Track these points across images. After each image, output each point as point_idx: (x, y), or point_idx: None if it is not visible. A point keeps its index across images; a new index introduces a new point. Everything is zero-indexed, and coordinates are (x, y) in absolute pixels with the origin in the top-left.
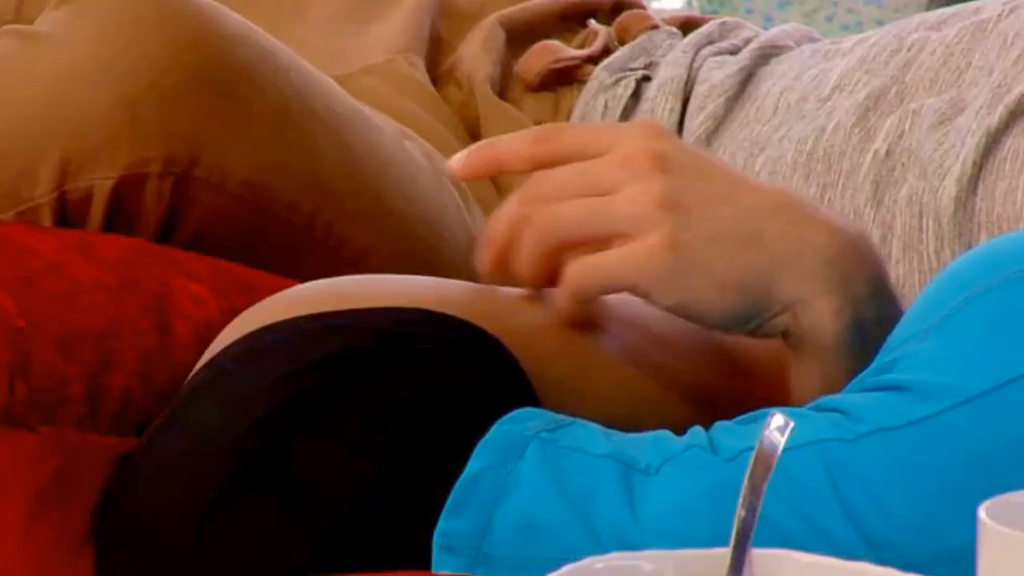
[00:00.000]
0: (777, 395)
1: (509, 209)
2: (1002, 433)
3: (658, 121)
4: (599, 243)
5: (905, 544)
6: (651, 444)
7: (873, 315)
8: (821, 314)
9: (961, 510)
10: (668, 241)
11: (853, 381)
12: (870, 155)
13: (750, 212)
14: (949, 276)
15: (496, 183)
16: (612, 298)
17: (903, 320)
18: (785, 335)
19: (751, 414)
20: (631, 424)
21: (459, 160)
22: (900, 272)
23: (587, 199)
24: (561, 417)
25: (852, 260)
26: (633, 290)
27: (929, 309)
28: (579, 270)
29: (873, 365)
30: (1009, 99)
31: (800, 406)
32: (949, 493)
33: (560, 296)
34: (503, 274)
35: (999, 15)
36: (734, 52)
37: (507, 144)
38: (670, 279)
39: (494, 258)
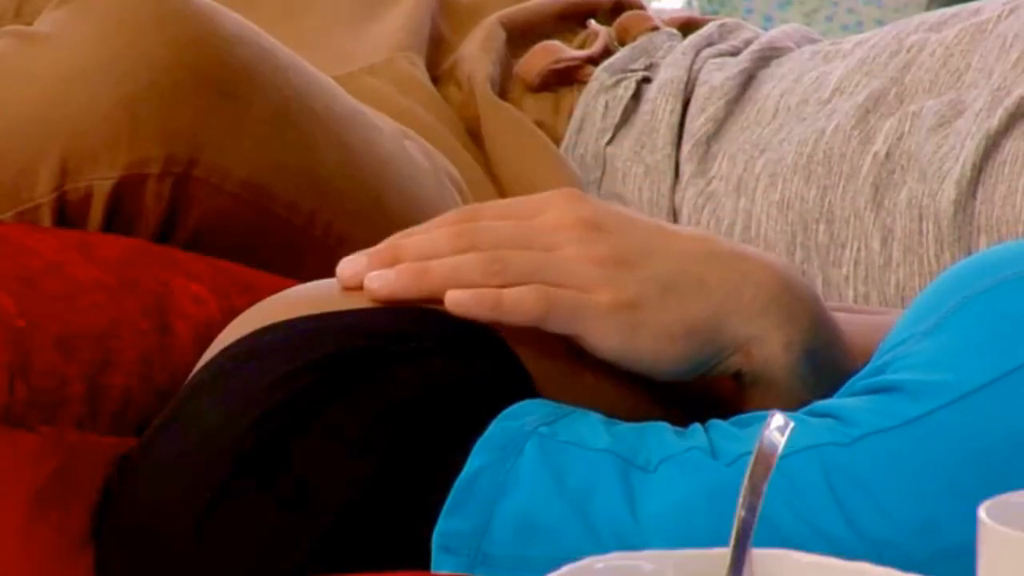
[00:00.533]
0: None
1: (431, 244)
2: (996, 428)
3: (576, 189)
4: None
5: (905, 543)
6: (651, 438)
7: (819, 342)
8: (773, 349)
9: (959, 507)
10: (620, 300)
11: (845, 385)
12: (870, 157)
13: (689, 260)
14: (944, 282)
15: (495, 181)
16: None
17: (897, 325)
18: (736, 376)
19: (747, 415)
20: (631, 416)
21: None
22: (901, 275)
23: (533, 253)
24: (560, 407)
25: (791, 292)
26: (581, 337)
27: (922, 314)
28: (545, 297)
29: (866, 369)
30: (1009, 102)
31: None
32: (946, 490)
33: (506, 305)
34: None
35: (999, 16)
36: (734, 54)
37: (423, 230)
38: (622, 335)
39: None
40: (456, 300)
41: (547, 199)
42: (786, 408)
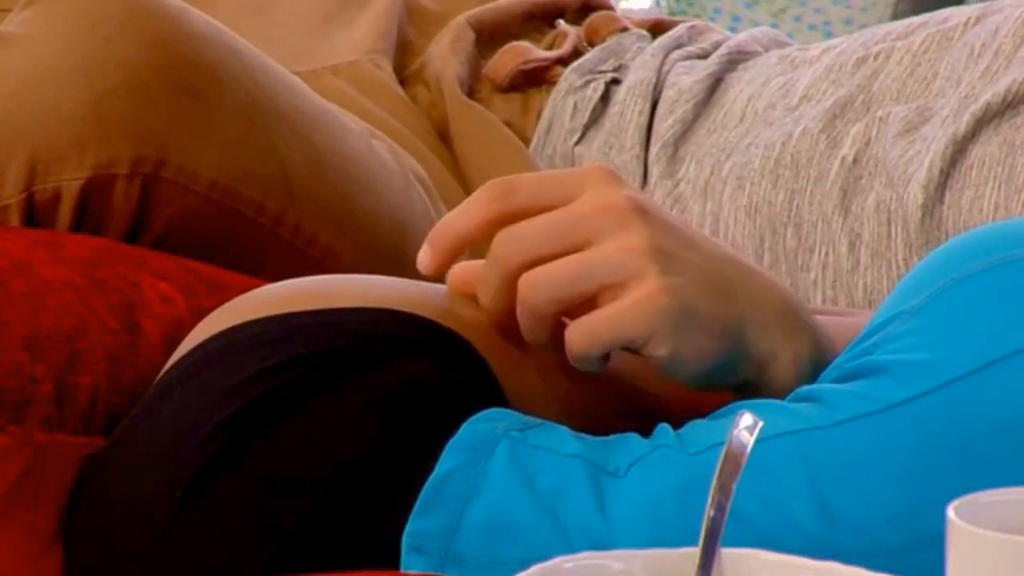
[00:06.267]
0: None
1: (489, 284)
2: (980, 417)
3: (608, 167)
4: (589, 298)
5: (881, 531)
6: (620, 446)
7: (819, 355)
8: (784, 363)
9: (939, 495)
10: (665, 287)
11: (831, 365)
12: (837, 161)
13: (715, 259)
14: (933, 261)
15: (463, 181)
16: None
17: (885, 302)
18: (739, 387)
19: (725, 408)
20: (598, 430)
21: (425, 257)
22: (869, 279)
23: (572, 257)
24: (531, 418)
25: (793, 307)
26: (633, 342)
27: (911, 292)
28: (583, 332)
29: (852, 348)
30: (976, 107)
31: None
32: (927, 478)
33: (571, 360)
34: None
35: (965, 23)
36: (703, 56)
37: (463, 217)
38: (669, 326)
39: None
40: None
41: (581, 177)
42: None
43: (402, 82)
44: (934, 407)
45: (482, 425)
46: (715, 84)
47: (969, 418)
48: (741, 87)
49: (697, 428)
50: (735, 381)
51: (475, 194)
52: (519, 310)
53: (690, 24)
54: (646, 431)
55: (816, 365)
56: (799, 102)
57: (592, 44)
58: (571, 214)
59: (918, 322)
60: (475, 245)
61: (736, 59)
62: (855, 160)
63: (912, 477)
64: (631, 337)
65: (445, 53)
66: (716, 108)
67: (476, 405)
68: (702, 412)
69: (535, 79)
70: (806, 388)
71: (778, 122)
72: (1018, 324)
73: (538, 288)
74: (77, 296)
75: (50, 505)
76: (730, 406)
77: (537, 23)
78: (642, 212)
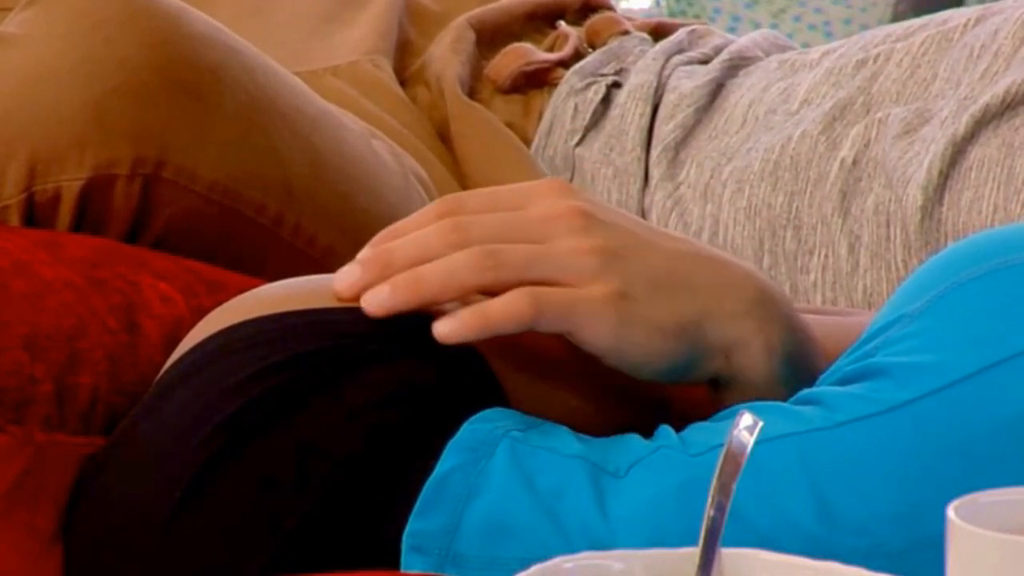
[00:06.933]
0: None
1: (424, 242)
2: (981, 419)
3: (563, 180)
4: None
5: (881, 531)
6: (620, 447)
7: (796, 345)
8: (754, 353)
9: (940, 496)
10: (615, 292)
11: (834, 365)
12: (837, 163)
13: (676, 258)
14: (933, 265)
15: (463, 181)
16: None
17: (885, 307)
18: (713, 380)
19: (727, 410)
20: (602, 432)
21: (364, 253)
22: (868, 281)
23: (528, 246)
24: (532, 418)
25: (768, 297)
26: (574, 333)
27: (911, 296)
28: (534, 299)
29: (853, 352)
30: (975, 109)
31: None
32: (928, 479)
33: (495, 318)
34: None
35: (965, 25)
36: (704, 61)
37: (409, 225)
38: (616, 328)
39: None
40: (443, 333)
41: (534, 189)
42: None
43: (403, 83)
44: (935, 409)
45: (482, 425)
46: (716, 90)
47: (970, 420)
48: (742, 93)
49: (698, 430)
50: (704, 373)
51: (423, 208)
52: (460, 261)
53: (691, 28)
54: (647, 433)
55: (791, 356)
56: (799, 107)
57: (593, 46)
58: (522, 218)
59: (919, 325)
60: None
61: (737, 64)
62: (854, 162)
63: (913, 478)
64: (571, 327)
65: (446, 54)
66: (717, 113)
67: (476, 405)
68: (703, 414)
69: (536, 81)
70: (807, 391)
71: (778, 126)
72: (1018, 327)
73: (487, 253)
74: (77, 296)
75: (50, 505)
76: (732, 408)
77: (538, 24)
78: (589, 217)
